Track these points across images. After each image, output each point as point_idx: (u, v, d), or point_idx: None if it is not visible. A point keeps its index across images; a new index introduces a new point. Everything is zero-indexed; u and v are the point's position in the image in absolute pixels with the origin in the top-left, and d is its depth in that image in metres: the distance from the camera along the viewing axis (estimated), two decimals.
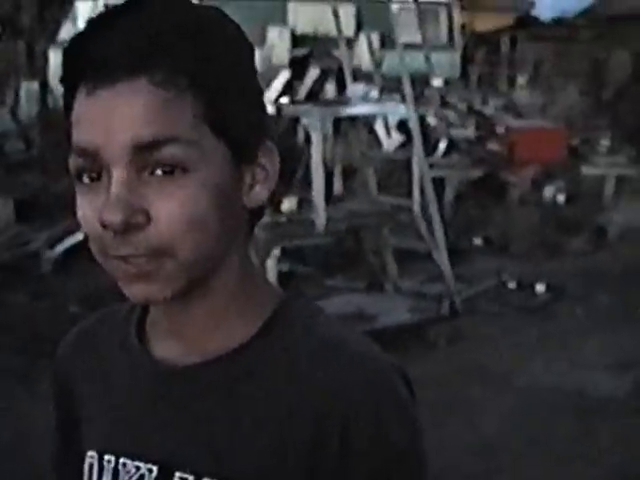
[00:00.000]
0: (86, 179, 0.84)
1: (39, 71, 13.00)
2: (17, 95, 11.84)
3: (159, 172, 0.82)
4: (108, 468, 0.92)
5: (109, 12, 0.84)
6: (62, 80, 0.86)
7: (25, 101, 11.70)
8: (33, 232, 7.38)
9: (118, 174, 0.81)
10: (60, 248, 7.07)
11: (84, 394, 0.99)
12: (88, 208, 0.84)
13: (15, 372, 5.11)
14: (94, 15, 0.84)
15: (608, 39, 14.31)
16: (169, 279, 0.84)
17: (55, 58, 13.14)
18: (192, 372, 0.90)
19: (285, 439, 0.86)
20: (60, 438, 1.05)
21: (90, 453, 0.95)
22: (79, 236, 7.00)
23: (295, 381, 0.87)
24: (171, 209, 0.81)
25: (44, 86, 12.35)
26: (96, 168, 0.83)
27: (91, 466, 0.94)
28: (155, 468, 0.89)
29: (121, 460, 0.91)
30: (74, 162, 0.84)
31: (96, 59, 0.81)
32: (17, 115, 11.03)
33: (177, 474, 0.88)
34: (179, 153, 0.81)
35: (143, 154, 0.81)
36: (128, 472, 0.91)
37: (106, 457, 0.93)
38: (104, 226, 0.81)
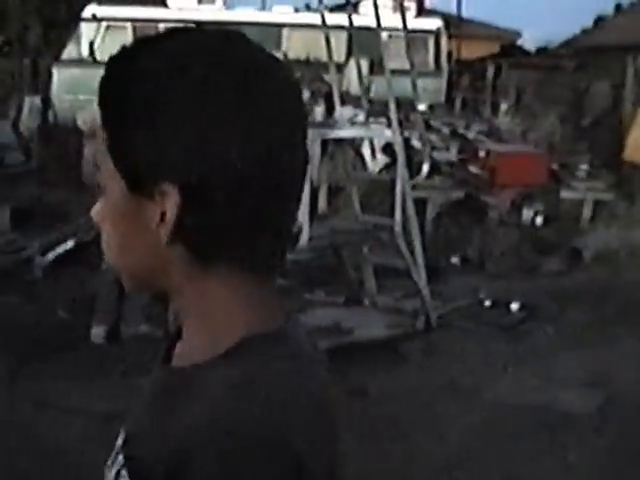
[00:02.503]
0: None
1: (42, 87, 13.04)
2: (20, 109, 11.87)
3: None
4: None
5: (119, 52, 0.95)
6: None
7: (27, 115, 11.72)
8: (27, 239, 7.49)
9: None
10: (51, 255, 7.18)
11: None
12: None
13: (2, 370, 5.11)
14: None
15: (589, 69, 14.36)
16: (122, 274, 0.99)
17: (58, 75, 13.19)
18: (164, 373, 1.00)
19: (155, 457, 0.90)
20: None
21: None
22: (70, 244, 7.05)
23: (195, 412, 0.88)
24: (94, 214, 0.99)
25: (46, 101, 12.37)
26: None
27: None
28: (122, 437, 1.00)
29: (122, 428, 1.03)
30: None
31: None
32: (19, 128, 11.04)
33: (119, 456, 0.98)
34: (96, 174, 0.99)
35: None
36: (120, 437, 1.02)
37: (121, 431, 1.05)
38: None
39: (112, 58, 0.94)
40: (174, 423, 0.90)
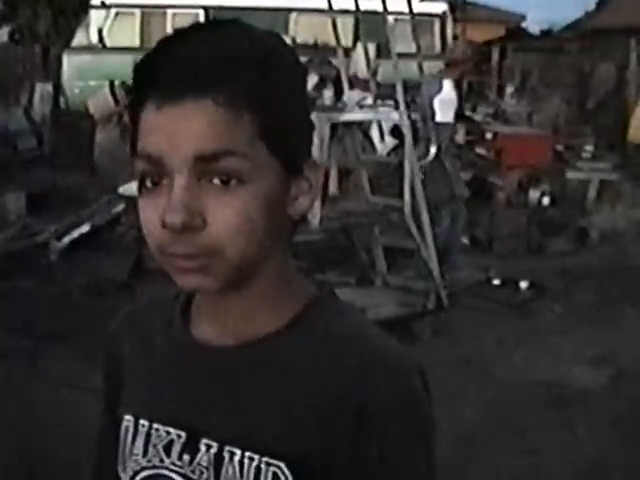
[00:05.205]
0: (149, 183, 0.89)
1: (53, 74, 13.04)
2: (31, 96, 11.87)
3: (216, 181, 0.86)
4: (142, 432, 0.98)
5: (178, 34, 0.89)
6: (131, 92, 0.91)
7: (39, 102, 11.72)
8: (42, 224, 7.50)
9: (180, 180, 0.86)
10: (66, 239, 7.20)
11: (128, 366, 1.04)
12: (149, 209, 0.89)
13: (21, 352, 5.14)
14: (165, 36, 0.90)
15: (594, 51, 14.29)
16: (217, 274, 0.89)
17: (68, 62, 13.18)
18: (225, 353, 0.95)
19: (301, 416, 0.90)
20: (104, 407, 1.09)
21: (127, 417, 1.00)
22: (84, 229, 7.07)
23: (315, 368, 0.92)
24: (225, 216, 0.86)
25: (57, 88, 12.37)
26: (158, 174, 0.88)
27: (127, 429, 1.00)
28: (184, 434, 0.95)
29: (154, 425, 0.97)
30: (138, 166, 0.90)
31: (166, 78, 0.86)
32: (31, 115, 11.04)
33: (203, 440, 0.93)
34: (236, 165, 0.86)
35: (203, 164, 0.86)
36: (159, 436, 0.96)
37: (141, 422, 0.98)
38: (164, 226, 0.86)
39: (237, 44, 0.89)
40: (316, 391, 0.90)
